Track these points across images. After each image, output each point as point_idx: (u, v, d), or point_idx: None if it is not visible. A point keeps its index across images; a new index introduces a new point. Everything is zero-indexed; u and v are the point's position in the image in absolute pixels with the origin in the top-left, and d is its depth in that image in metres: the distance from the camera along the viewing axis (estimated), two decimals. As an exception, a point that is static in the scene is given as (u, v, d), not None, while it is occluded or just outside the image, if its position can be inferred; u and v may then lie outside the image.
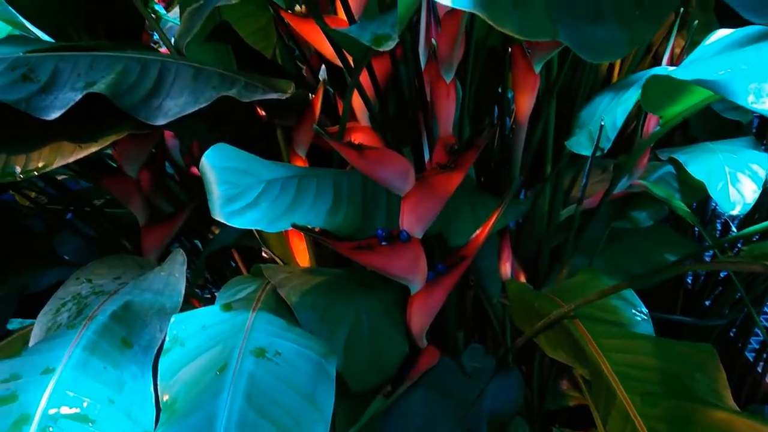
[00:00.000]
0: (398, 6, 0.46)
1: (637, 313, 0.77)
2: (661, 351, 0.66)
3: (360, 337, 0.72)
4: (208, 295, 1.60)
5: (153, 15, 1.60)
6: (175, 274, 0.79)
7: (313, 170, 0.75)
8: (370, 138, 1.00)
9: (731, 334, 1.60)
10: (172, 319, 0.66)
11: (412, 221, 0.70)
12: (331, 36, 0.73)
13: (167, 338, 0.64)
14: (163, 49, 1.38)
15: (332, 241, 0.68)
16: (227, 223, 0.64)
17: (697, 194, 1.13)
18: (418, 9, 0.99)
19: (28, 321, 1.18)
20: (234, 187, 0.66)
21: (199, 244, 1.45)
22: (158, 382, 0.60)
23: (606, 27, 0.36)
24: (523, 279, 1.06)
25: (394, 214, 0.75)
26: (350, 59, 0.76)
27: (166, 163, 1.24)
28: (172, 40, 1.52)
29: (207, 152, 0.67)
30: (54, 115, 0.70)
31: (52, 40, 1.12)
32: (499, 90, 1.15)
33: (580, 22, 0.37)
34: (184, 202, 1.32)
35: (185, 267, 0.80)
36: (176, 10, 1.95)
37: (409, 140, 1.04)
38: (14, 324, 1.20)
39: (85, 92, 0.71)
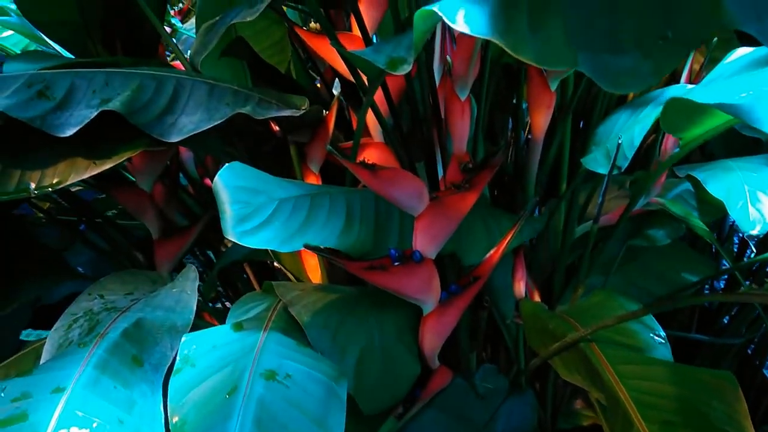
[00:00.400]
0: (414, 30, 0.45)
1: (655, 337, 0.76)
2: (680, 378, 0.65)
3: (372, 358, 0.71)
4: (220, 306, 1.60)
5: (169, 28, 1.61)
6: (187, 291, 0.79)
7: (326, 188, 0.75)
8: (384, 154, 1.00)
9: (749, 351, 1.57)
10: (183, 339, 0.65)
11: (426, 242, 0.69)
12: (346, 57, 0.73)
13: (178, 358, 0.63)
14: (176, 63, 1.39)
15: (344, 261, 0.67)
16: (239, 243, 0.64)
17: (716, 213, 1.11)
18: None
19: (45, 333, 1.19)
20: (246, 206, 0.66)
21: (212, 255, 1.45)
22: (168, 403, 0.59)
23: (628, 56, 0.35)
24: (537, 297, 1.05)
25: (407, 234, 0.74)
26: (365, 78, 0.76)
27: (180, 175, 1.25)
28: (188, 53, 1.53)
29: (220, 171, 0.67)
30: (69, 132, 0.70)
31: (70, 54, 1.13)
32: (514, 104, 1.14)
33: (600, 50, 0.36)
34: (197, 214, 1.33)
35: (197, 284, 0.80)
36: (192, 21, 1.97)
37: (422, 156, 1.03)
38: (32, 336, 1.21)
39: (100, 110, 0.71)
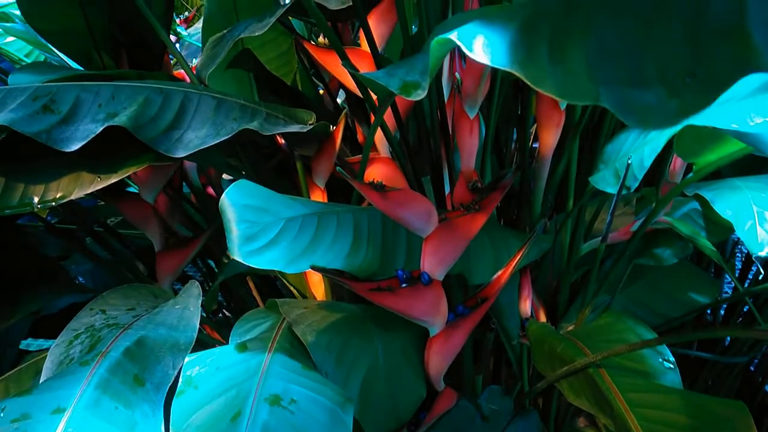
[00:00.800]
0: (430, 55, 0.44)
1: (664, 362, 0.75)
2: (691, 407, 0.64)
3: (376, 380, 0.70)
4: (221, 315, 1.59)
5: (173, 37, 1.61)
6: (190, 308, 0.77)
7: (333, 206, 0.74)
8: (390, 169, 0.99)
9: (751, 368, 1.56)
10: (186, 359, 0.64)
11: (434, 263, 0.68)
12: (357, 77, 0.72)
13: (181, 380, 0.62)
14: (180, 72, 1.39)
15: (351, 282, 0.66)
16: (245, 263, 0.63)
17: (724, 233, 1.11)
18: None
19: (46, 343, 1.18)
20: (253, 225, 0.65)
21: (213, 265, 1.44)
22: (170, 427, 0.58)
23: (652, 92, 0.34)
24: (543, 316, 1.03)
25: (415, 253, 0.73)
26: (373, 94, 0.75)
27: (183, 184, 1.24)
28: (193, 61, 1.53)
29: (227, 190, 0.66)
30: (74, 147, 0.70)
31: (75, 64, 1.13)
32: (522, 122, 1.13)
33: (622, 84, 0.35)
34: (199, 224, 1.32)
35: (200, 300, 0.79)
36: (196, 26, 1.96)
37: (429, 171, 1.02)
38: (33, 346, 1.19)
39: (106, 125, 0.70)
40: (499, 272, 0.77)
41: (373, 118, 0.89)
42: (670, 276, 1.14)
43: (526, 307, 0.97)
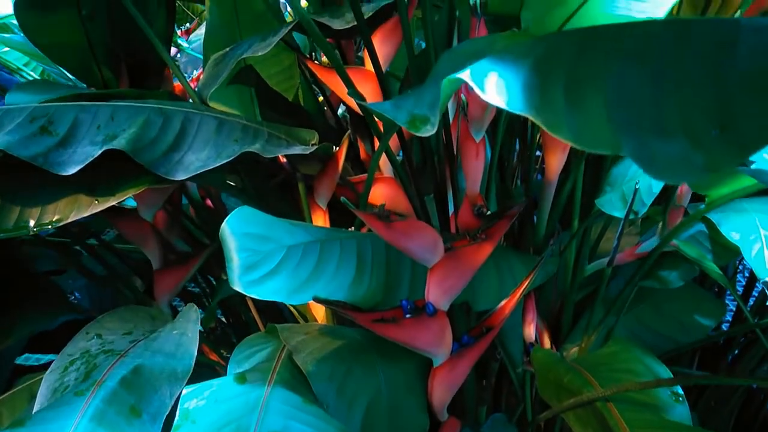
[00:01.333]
0: (441, 92, 0.43)
1: (673, 395, 0.73)
2: (701, 445, 0.62)
3: (379, 412, 0.69)
4: (219, 330, 1.57)
5: (176, 48, 1.59)
6: (188, 334, 0.76)
7: (336, 233, 0.72)
8: (393, 189, 0.98)
9: (753, 386, 1.55)
10: (184, 391, 0.63)
11: (439, 294, 0.67)
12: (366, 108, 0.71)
13: (178, 413, 0.61)
14: (177, 84, 1.37)
15: (354, 313, 0.65)
16: (246, 294, 0.61)
17: (731, 256, 1.09)
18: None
19: (45, 358, 1.16)
20: (254, 254, 0.63)
21: (213, 280, 1.42)
22: (167, 464, 0.56)
23: (676, 143, 0.32)
24: (547, 340, 1.02)
25: (419, 282, 0.72)
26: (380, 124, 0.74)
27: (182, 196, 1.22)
28: (194, 73, 1.51)
29: (228, 218, 0.64)
30: (71, 170, 0.68)
31: (72, 77, 1.11)
32: (526, 143, 1.12)
33: (644, 132, 0.34)
34: (198, 238, 1.30)
35: (198, 326, 0.78)
36: (197, 32, 1.94)
37: (432, 189, 1.01)
38: (30, 360, 1.18)
39: (104, 148, 0.68)
40: (505, 300, 0.75)
41: (376, 140, 0.88)
42: (675, 298, 1.13)
43: (530, 331, 0.95)
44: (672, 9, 0.67)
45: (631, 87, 0.36)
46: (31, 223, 0.72)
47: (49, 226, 0.72)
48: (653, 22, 0.39)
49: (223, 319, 1.50)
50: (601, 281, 1.00)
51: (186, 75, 1.44)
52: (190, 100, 1.01)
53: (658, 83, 0.35)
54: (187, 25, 1.58)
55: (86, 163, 0.68)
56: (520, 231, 1.13)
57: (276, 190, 0.97)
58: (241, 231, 0.64)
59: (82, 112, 0.73)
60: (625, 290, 1.05)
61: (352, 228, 0.94)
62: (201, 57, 1.47)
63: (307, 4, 1.65)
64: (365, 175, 1.00)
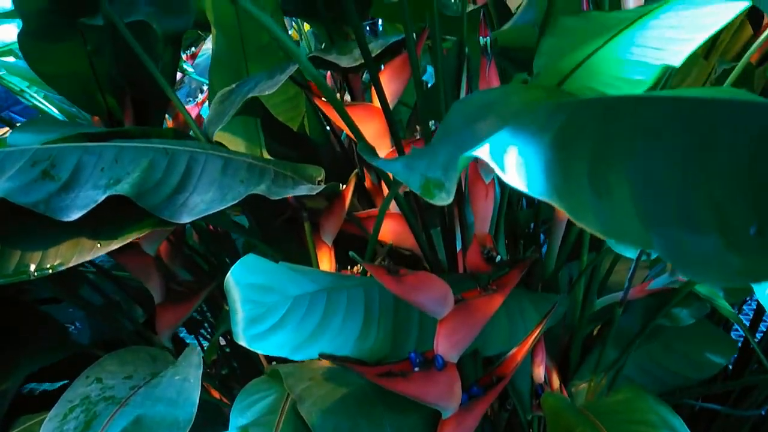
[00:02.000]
0: (458, 164, 0.41)
1: (688, 450, 0.71)
2: None
3: (385, 468, 0.67)
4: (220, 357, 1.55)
5: (181, 73, 1.58)
6: (190, 380, 0.74)
7: (342, 280, 0.71)
8: (400, 225, 0.96)
9: (762, 413, 1.52)
10: (185, 448, 0.61)
11: (448, 346, 0.65)
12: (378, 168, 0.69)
13: (179, 473, 0.59)
14: (190, 111, 1.36)
15: (360, 368, 0.63)
16: (250, 348, 0.59)
17: (743, 294, 1.07)
18: (458, 87, 0.95)
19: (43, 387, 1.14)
20: (258, 306, 0.62)
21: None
22: None
23: (709, 241, 0.31)
24: (556, 378, 1.00)
25: (427, 331, 0.70)
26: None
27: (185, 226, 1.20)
28: (200, 96, 1.50)
29: (233, 269, 0.63)
30: (74, 216, 0.66)
31: (72, 108, 1.10)
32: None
33: (675, 226, 0.32)
34: (200, 267, 1.28)
35: (200, 370, 0.76)
36: (204, 47, 1.94)
37: (438, 224, 0.99)
38: (31, 386, 1.16)
39: (108, 194, 0.67)
40: (516, 348, 0.74)
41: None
42: (686, 335, 1.11)
43: (539, 372, 0.93)
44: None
45: (658, 173, 0.34)
46: (32, 267, 0.70)
47: (50, 270, 0.70)
48: (682, 98, 0.37)
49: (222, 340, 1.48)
50: (612, 321, 0.98)
51: (192, 100, 1.43)
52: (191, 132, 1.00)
53: (687, 170, 0.33)
54: (192, 49, 1.58)
55: (88, 209, 0.66)
56: (529, 268, 1.11)
57: (282, 227, 0.95)
58: (245, 282, 0.63)
59: (86, 154, 0.71)
60: (630, 322, 1.03)
61: (359, 267, 0.92)
62: (206, 82, 1.46)
63: (309, 27, 1.65)
64: (372, 210, 0.98)
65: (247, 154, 0.83)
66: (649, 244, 0.32)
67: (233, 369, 1.46)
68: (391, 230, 0.96)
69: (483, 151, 0.38)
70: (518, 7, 1.63)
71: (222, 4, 1.12)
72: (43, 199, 0.66)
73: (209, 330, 1.48)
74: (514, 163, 0.37)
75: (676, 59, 0.65)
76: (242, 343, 0.60)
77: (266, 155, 1.22)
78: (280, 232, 0.96)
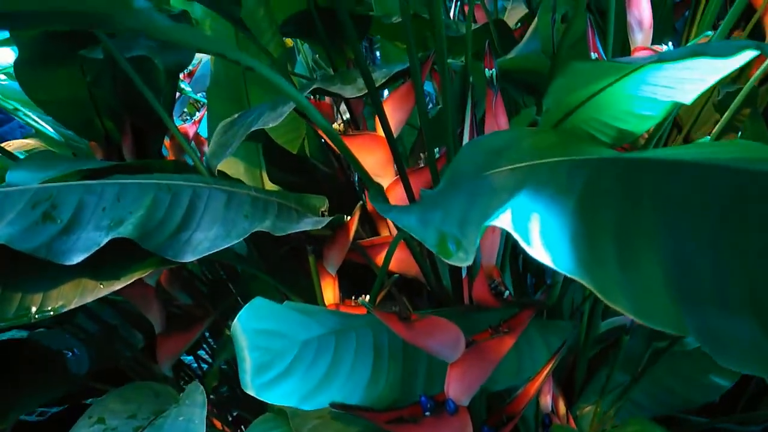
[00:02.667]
0: (479, 231, 0.40)
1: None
2: None
3: None
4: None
5: (178, 92, 1.57)
6: (194, 420, 0.73)
7: (351, 320, 0.69)
8: (403, 252, 0.95)
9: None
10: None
11: (460, 390, 0.64)
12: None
13: None
14: (182, 126, 1.34)
15: (369, 414, 0.62)
16: (258, 398, 0.58)
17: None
18: (462, 112, 0.94)
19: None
20: (266, 353, 0.60)
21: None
22: None
23: (743, 324, 0.30)
24: (562, 405, 0.99)
25: (436, 374, 0.69)
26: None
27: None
28: (197, 116, 1.48)
29: (240, 314, 0.62)
30: (76, 259, 0.65)
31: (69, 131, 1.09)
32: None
33: (708, 307, 0.31)
34: (200, 290, 1.27)
35: (205, 410, 0.74)
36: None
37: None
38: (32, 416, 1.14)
39: (110, 236, 0.66)
40: (527, 385, 0.73)
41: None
42: (690, 358, 1.10)
43: (546, 401, 0.92)
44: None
45: (688, 247, 0.33)
46: (33, 309, 0.69)
47: (52, 312, 0.69)
48: (709, 164, 0.36)
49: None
50: (619, 346, 0.98)
51: (189, 119, 1.41)
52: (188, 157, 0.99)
53: (719, 246, 0.32)
54: (189, 68, 1.56)
55: (91, 252, 0.65)
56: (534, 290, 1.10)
57: (286, 258, 0.94)
58: (252, 327, 0.62)
59: (87, 194, 0.70)
60: (637, 347, 1.03)
61: (366, 297, 0.91)
62: (205, 102, 1.44)
63: (306, 44, 1.63)
64: (375, 238, 0.97)
65: (250, 186, 0.82)
66: (682, 327, 0.31)
67: (232, 389, 1.44)
68: (395, 258, 0.95)
69: (505, 221, 0.37)
70: (517, 23, 1.62)
71: (221, 26, 1.11)
72: (45, 244, 0.65)
73: (208, 350, 1.46)
74: (538, 235, 0.36)
75: (687, 98, 0.64)
76: (251, 392, 0.59)
77: (266, 178, 1.21)
78: (283, 261, 0.95)
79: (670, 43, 0.70)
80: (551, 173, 0.43)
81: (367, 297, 0.93)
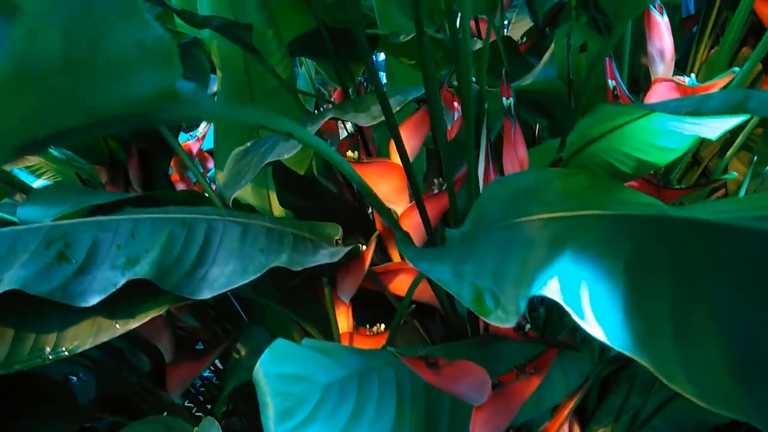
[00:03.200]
0: (523, 299, 0.39)
1: None
2: None
3: None
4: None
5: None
6: (210, 460, 0.71)
7: (371, 359, 0.68)
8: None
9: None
10: None
11: (485, 432, 0.63)
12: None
13: None
14: (186, 143, 1.33)
15: (396, 460, 0.60)
16: (283, 446, 0.57)
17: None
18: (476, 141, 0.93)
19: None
20: (288, 398, 0.59)
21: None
22: None
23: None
24: (577, 428, 0.98)
25: (458, 413, 0.68)
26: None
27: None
28: (199, 130, 1.47)
29: (261, 358, 0.60)
30: (92, 301, 0.64)
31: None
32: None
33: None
34: (208, 312, 1.25)
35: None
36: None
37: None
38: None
39: (127, 278, 0.64)
40: (547, 423, 0.72)
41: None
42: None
43: (563, 429, 0.91)
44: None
45: (748, 320, 0.32)
46: (47, 350, 0.67)
47: (66, 353, 0.67)
48: (760, 231, 0.35)
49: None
50: (636, 371, 0.97)
51: (192, 135, 1.40)
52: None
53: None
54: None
55: (108, 293, 0.63)
56: (546, 318, 1.09)
57: (300, 287, 0.93)
58: (274, 372, 0.60)
59: (101, 231, 0.68)
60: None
61: (381, 326, 0.90)
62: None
63: (310, 62, 1.61)
64: (389, 264, 0.96)
65: (264, 216, 0.80)
66: (744, 410, 0.30)
67: (237, 405, 1.43)
68: (407, 284, 0.94)
69: (553, 289, 0.36)
70: (522, 37, 1.61)
71: (228, 47, 1.09)
72: (60, 286, 0.63)
73: (213, 369, 1.45)
74: (589, 307, 0.35)
75: (713, 134, 0.64)
76: (274, 440, 0.57)
77: (273, 198, 1.19)
78: (297, 289, 0.94)
79: (693, 75, 0.69)
80: (593, 232, 0.41)
81: (382, 326, 0.93)
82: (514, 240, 0.48)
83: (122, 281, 0.64)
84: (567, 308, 0.35)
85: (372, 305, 1.03)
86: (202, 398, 1.45)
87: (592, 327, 0.34)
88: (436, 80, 0.80)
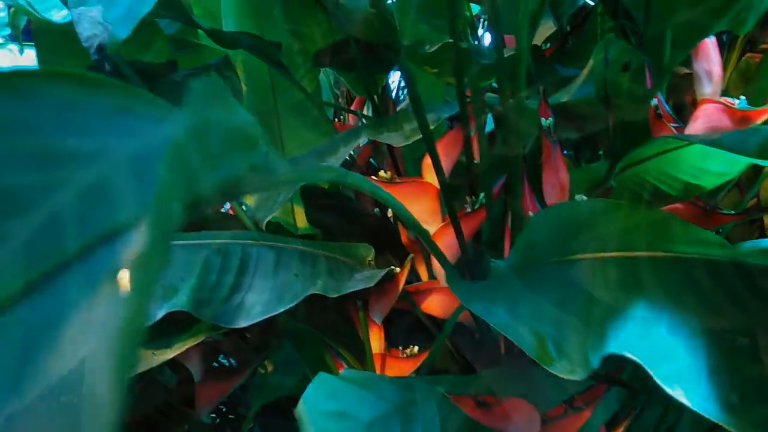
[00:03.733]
0: (595, 356, 0.37)
1: None
2: None
3: None
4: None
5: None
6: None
7: (412, 392, 0.67)
8: (450, 299, 0.92)
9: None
10: None
11: (532, 469, 0.61)
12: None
13: None
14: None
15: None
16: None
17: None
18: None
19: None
20: (333, 435, 0.58)
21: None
22: None
23: None
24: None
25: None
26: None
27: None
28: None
29: (305, 394, 0.59)
30: (129, 334, 0.62)
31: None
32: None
33: None
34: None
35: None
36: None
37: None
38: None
39: (166, 310, 0.63)
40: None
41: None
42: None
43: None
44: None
45: None
46: (82, 382, 0.66)
47: (101, 385, 0.66)
48: None
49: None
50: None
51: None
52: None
53: None
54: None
55: (147, 325, 0.62)
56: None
57: (332, 308, 0.91)
58: (318, 408, 0.59)
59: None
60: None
61: (415, 348, 0.89)
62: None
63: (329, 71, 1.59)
64: (421, 284, 0.94)
65: (296, 239, 0.79)
66: None
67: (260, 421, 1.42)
68: (444, 302, 0.92)
69: (633, 350, 0.34)
70: (546, 42, 1.58)
71: (254, 61, 1.07)
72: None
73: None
74: (672, 371, 0.33)
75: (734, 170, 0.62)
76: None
77: (298, 212, 1.18)
78: (328, 310, 0.92)
79: (743, 97, 0.66)
80: (663, 277, 0.40)
81: (416, 348, 0.91)
82: (572, 281, 0.47)
83: (161, 313, 0.63)
84: (649, 371, 0.33)
85: (398, 323, 1.01)
86: (224, 408, 1.44)
87: (678, 394, 0.32)
88: (475, 93, 0.78)
